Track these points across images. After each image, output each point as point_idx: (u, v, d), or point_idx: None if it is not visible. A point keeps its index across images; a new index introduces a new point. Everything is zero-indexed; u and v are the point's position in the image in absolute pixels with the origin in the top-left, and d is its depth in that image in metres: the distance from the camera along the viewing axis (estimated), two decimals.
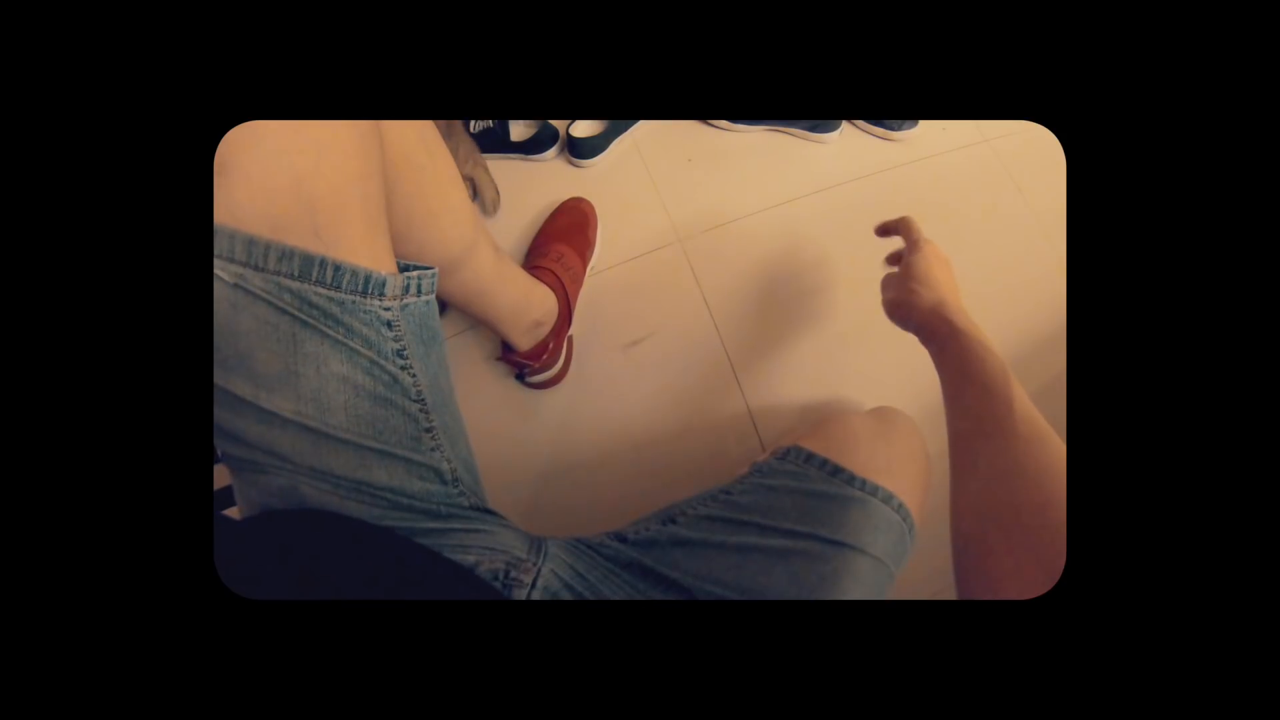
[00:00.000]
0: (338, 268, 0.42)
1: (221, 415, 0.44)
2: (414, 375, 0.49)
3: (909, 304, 0.65)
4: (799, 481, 0.63)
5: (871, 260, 0.85)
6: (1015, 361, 1.02)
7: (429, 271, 0.50)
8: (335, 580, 0.43)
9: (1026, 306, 1.09)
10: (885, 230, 0.79)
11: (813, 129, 1.15)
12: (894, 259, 0.78)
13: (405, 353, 0.48)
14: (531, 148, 1.07)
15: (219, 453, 0.47)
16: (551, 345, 0.87)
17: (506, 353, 0.88)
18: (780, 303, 1.04)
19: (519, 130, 1.09)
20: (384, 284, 0.45)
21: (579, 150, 1.07)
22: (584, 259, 0.98)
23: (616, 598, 0.56)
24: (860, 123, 1.19)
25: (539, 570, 0.53)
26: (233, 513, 0.52)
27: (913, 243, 0.71)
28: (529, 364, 0.87)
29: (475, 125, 1.05)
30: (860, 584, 0.57)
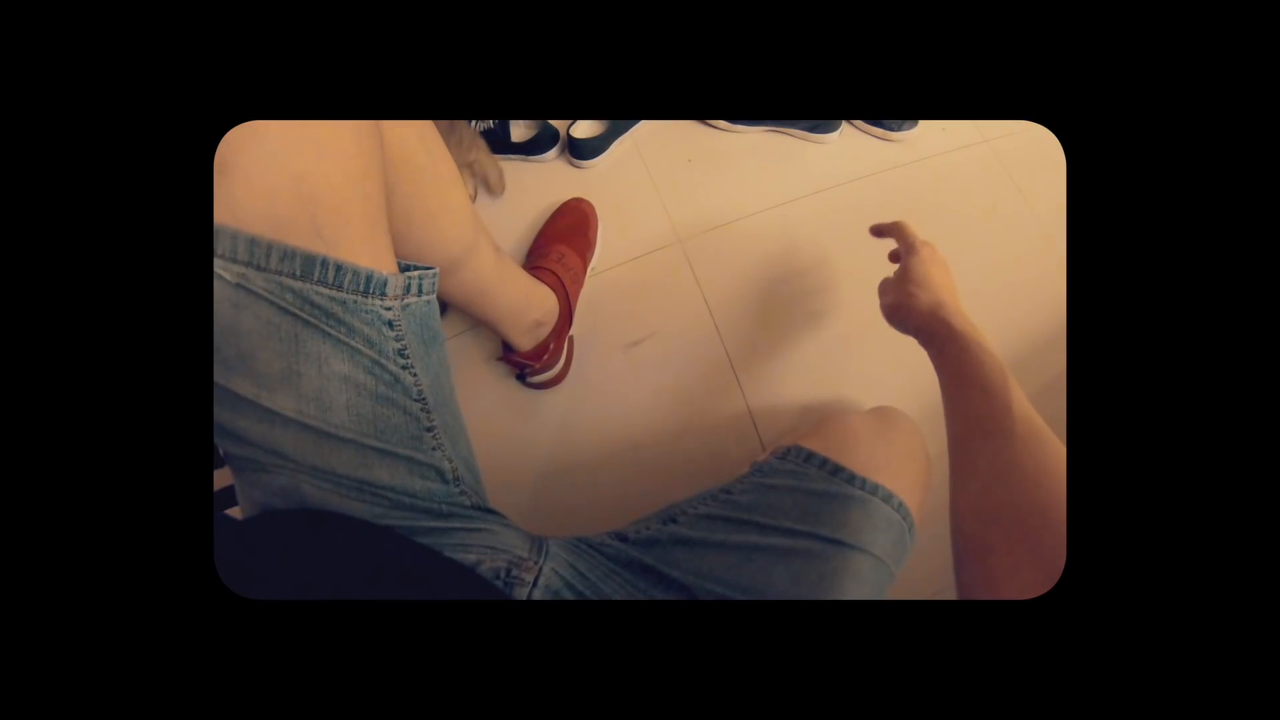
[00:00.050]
0: (339, 267, 0.42)
1: (223, 414, 0.44)
2: (415, 375, 0.49)
3: (907, 307, 0.66)
4: (799, 481, 0.63)
5: (871, 260, 0.85)
6: (1015, 361, 1.02)
7: (430, 271, 0.50)
8: (336, 580, 0.43)
9: (1026, 306, 1.09)
10: (880, 232, 0.79)
11: (812, 129, 1.15)
12: (895, 257, 0.78)
13: (406, 352, 0.48)
14: (532, 148, 1.07)
15: (221, 452, 0.47)
16: (552, 346, 0.87)
17: (507, 353, 0.88)
18: (780, 303, 1.04)
19: (519, 131, 1.09)
20: (385, 284, 0.45)
21: (579, 151, 1.07)
22: (584, 259, 0.98)
23: (617, 597, 0.56)
24: (860, 123, 1.19)
25: (540, 569, 0.53)
26: (234, 512, 0.52)
27: (909, 246, 0.72)
28: (530, 364, 0.87)
29: (476, 125, 1.05)
30: (860, 583, 0.57)
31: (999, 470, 0.45)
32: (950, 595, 0.46)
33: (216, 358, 0.42)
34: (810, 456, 0.65)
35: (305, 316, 0.42)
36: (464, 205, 0.65)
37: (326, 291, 0.42)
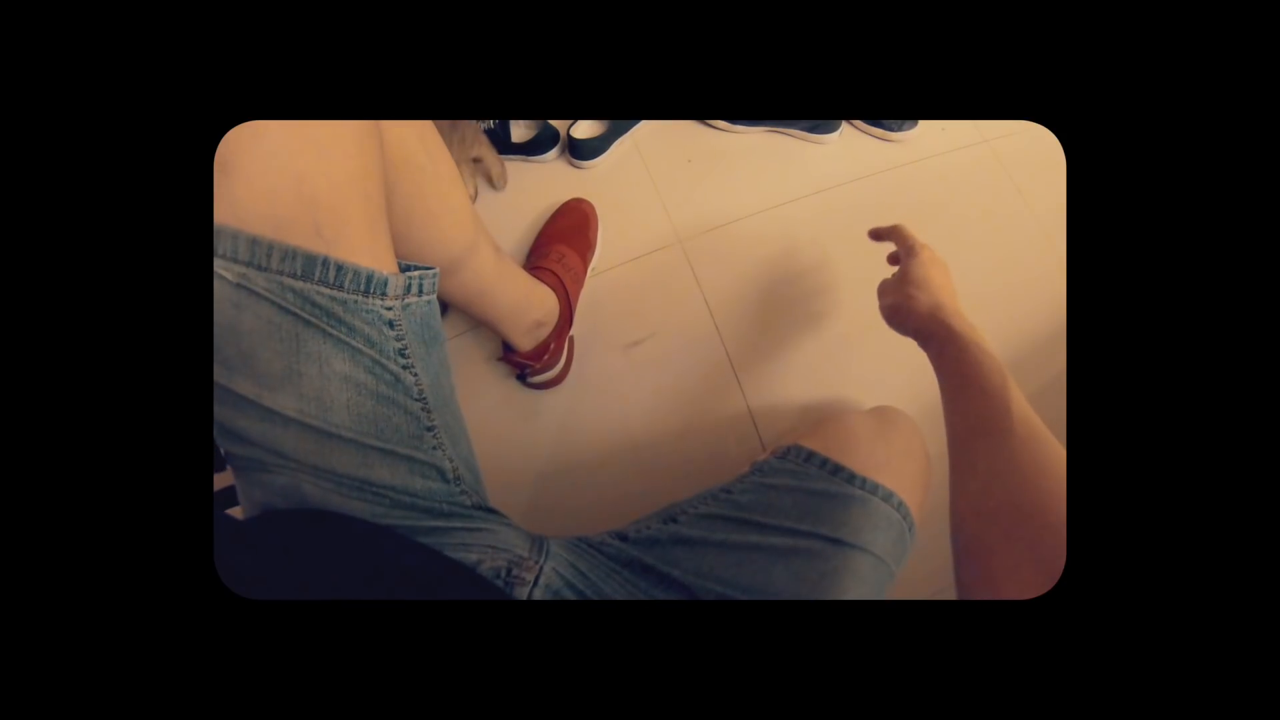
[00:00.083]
0: (340, 267, 0.42)
1: (224, 414, 0.44)
2: (416, 374, 0.49)
3: (907, 309, 0.66)
4: (799, 480, 0.63)
5: (871, 261, 0.85)
6: (1015, 361, 1.02)
7: (430, 271, 0.50)
8: (336, 580, 0.43)
9: (1026, 307, 1.09)
10: (879, 236, 0.80)
11: (812, 130, 1.15)
12: (895, 259, 0.78)
13: (407, 352, 0.48)
14: (532, 149, 1.07)
15: (222, 452, 0.48)
16: (553, 346, 0.87)
17: (508, 353, 0.88)
18: (781, 303, 1.04)
19: (520, 131, 1.09)
20: (386, 284, 0.45)
21: (579, 151, 1.07)
22: (585, 260, 0.98)
23: (618, 596, 0.56)
24: (860, 123, 1.19)
25: (541, 569, 0.53)
26: (235, 512, 0.52)
27: (909, 248, 0.72)
28: (530, 364, 0.87)
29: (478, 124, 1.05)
30: (861, 582, 0.57)
31: (998, 470, 0.45)
32: (950, 595, 0.46)
33: (218, 358, 0.42)
34: (810, 456, 0.65)
35: (306, 316, 0.42)
36: (464, 205, 0.66)
37: (327, 291, 0.42)
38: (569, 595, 0.54)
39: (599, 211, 1.04)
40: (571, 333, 0.95)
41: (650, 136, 1.14)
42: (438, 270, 0.51)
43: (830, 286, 1.06)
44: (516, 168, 1.08)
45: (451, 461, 0.53)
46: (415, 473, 0.50)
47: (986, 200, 1.17)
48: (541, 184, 1.08)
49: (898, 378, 0.98)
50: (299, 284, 0.41)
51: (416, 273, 0.49)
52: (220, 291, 0.40)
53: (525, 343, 0.85)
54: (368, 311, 0.45)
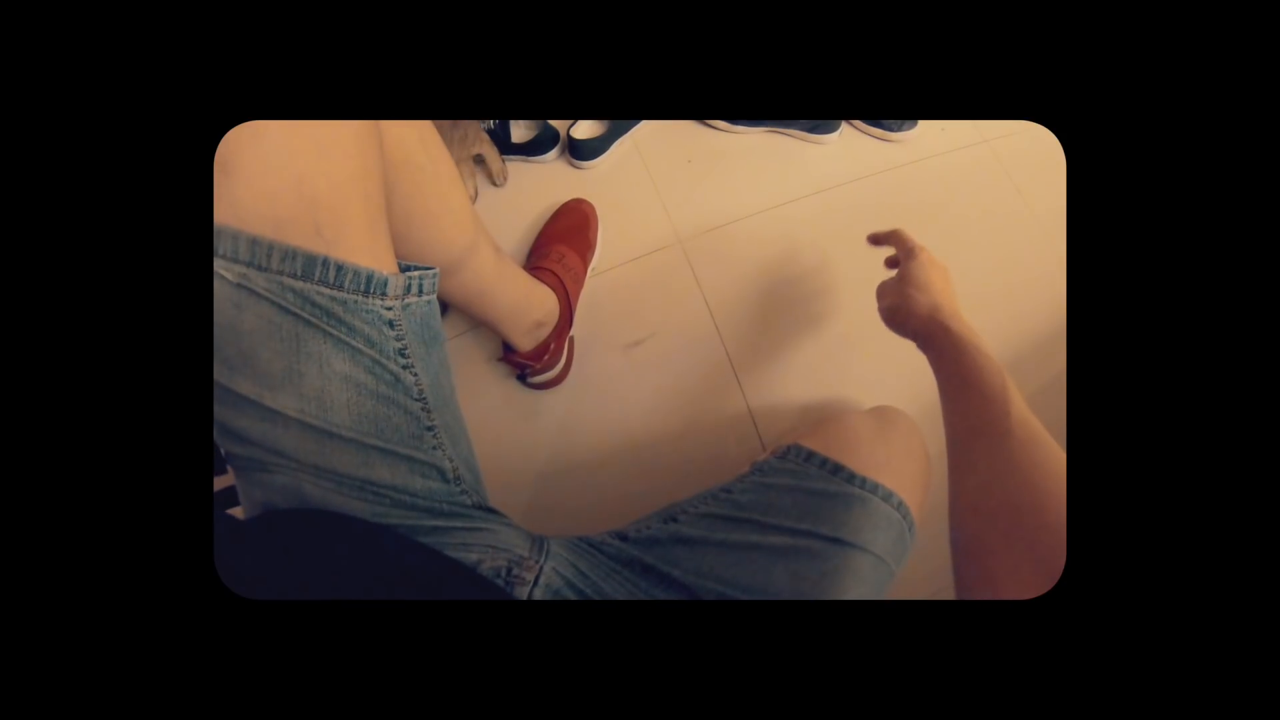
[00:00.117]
0: (340, 267, 0.42)
1: (225, 414, 0.44)
2: (416, 374, 0.49)
3: (906, 310, 0.66)
4: (799, 480, 0.63)
5: (871, 261, 0.85)
6: (1014, 361, 1.02)
7: (430, 272, 0.50)
8: (336, 579, 0.43)
9: (1026, 307, 1.09)
10: (877, 240, 0.80)
11: (812, 130, 1.15)
12: (893, 263, 0.79)
13: (407, 352, 0.48)
14: (532, 149, 1.08)
15: (223, 452, 0.48)
16: (553, 346, 0.87)
17: (508, 353, 0.88)
18: (781, 303, 1.04)
19: (520, 132, 1.09)
20: (386, 284, 0.45)
21: (579, 152, 1.07)
22: (585, 260, 0.98)
23: (618, 596, 0.56)
24: (859, 124, 1.19)
25: (541, 568, 0.53)
26: (236, 512, 0.53)
27: (908, 250, 0.72)
28: (530, 365, 0.87)
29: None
30: (861, 582, 0.57)
31: (997, 471, 0.45)
32: (950, 595, 0.46)
33: (218, 357, 0.42)
34: (810, 455, 0.65)
35: (306, 316, 0.42)
36: (464, 206, 0.66)
37: (327, 291, 0.42)
38: (569, 595, 0.54)
39: (599, 212, 1.04)
40: (571, 333, 0.95)
41: (650, 137, 1.14)
42: (438, 270, 0.51)
43: (830, 286, 1.06)
44: (516, 168, 1.08)
45: (451, 461, 0.53)
46: (415, 472, 0.50)
47: (986, 200, 1.17)
48: (541, 184, 1.08)
49: (898, 378, 0.98)
50: (299, 284, 0.41)
51: (416, 273, 0.49)
52: (221, 292, 0.40)
53: (525, 343, 0.85)
54: (368, 311, 0.45)
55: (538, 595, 0.51)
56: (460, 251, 0.67)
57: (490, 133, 1.04)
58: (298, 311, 0.42)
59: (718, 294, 1.03)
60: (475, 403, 0.93)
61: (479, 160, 1.06)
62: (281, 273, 0.41)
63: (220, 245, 0.39)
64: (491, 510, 0.58)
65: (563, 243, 0.97)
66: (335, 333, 0.44)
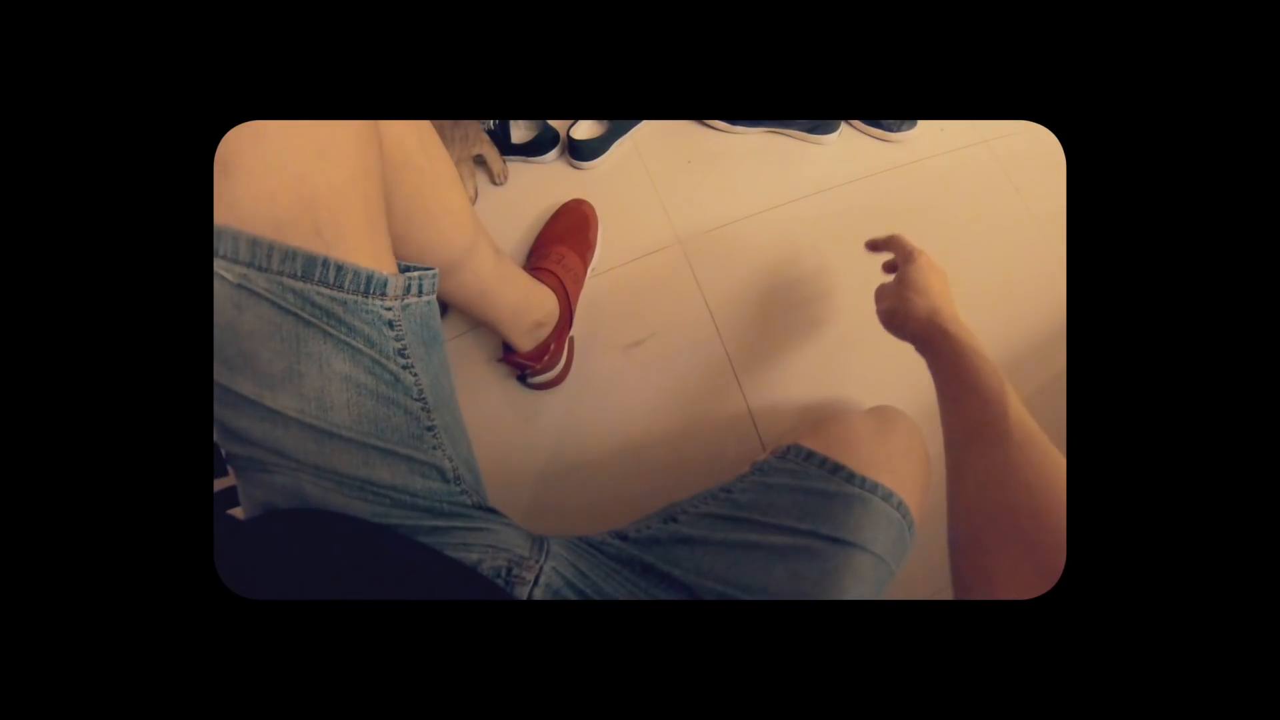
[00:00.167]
0: (340, 268, 0.43)
1: (226, 414, 0.44)
2: (415, 375, 0.49)
3: (904, 313, 0.66)
4: (799, 479, 0.63)
5: (871, 262, 0.85)
6: (1014, 362, 1.02)
7: (430, 272, 0.50)
8: (336, 579, 0.43)
9: (1025, 307, 1.09)
10: (875, 246, 0.80)
11: (811, 130, 1.16)
12: (890, 267, 0.79)
13: (407, 352, 0.48)
14: (532, 150, 1.08)
15: (223, 452, 0.48)
16: (553, 346, 0.87)
17: (508, 354, 0.88)
18: (781, 303, 1.04)
19: (520, 133, 1.09)
20: (385, 284, 0.45)
21: (579, 152, 1.07)
22: (585, 260, 0.98)
23: (618, 595, 0.56)
24: (859, 124, 1.19)
25: (541, 568, 0.53)
26: (236, 512, 0.53)
27: (906, 254, 0.72)
28: (530, 365, 0.87)
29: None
30: (861, 581, 0.57)
31: (994, 473, 0.45)
32: (950, 595, 0.46)
33: (218, 358, 0.42)
34: (810, 455, 0.65)
35: (306, 317, 0.42)
36: (463, 207, 0.66)
37: (327, 292, 0.43)
38: (569, 595, 0.54)
39: (599, 212, 1.04)
40: (571, 333, 0.95)
41: (650, 137, 1.14)
42: (437, 271, 0.51)
43: (830, 287, 1.06)
44: (516, 169, 1.08)
45: (451, 461, 0.53)
46: (415, 472, 0.50)
47: (985, 200, 1.17)
48: (541, 185, 1.08)
49: (897, 378, 0.98)
50: (299, 284, 0.41)
51: (416, 273, 0.49)
52: (221, 292, 0.40)
53: (525, 343, 0.85)
54: (367, 312, 0.45)
55: (538, 595, 0.51)
56: (460, 252, 0.67)
57: (490, 133, 1.04)
58: (298, 312, 0.42)
59: (717, 294, 1.03)
60: (475, 403, 0.93)
61: (479, 161, 1.06)
62: (281, 273, 0.41)
63: (220, 246, 0.39)
64: (491, 510, 0.58)
65: (563, 243, 0.97)
66: (335, 333, 0.44)
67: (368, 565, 0.45)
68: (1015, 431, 0.46)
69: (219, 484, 0.57)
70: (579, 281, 0.96)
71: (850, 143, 1.19)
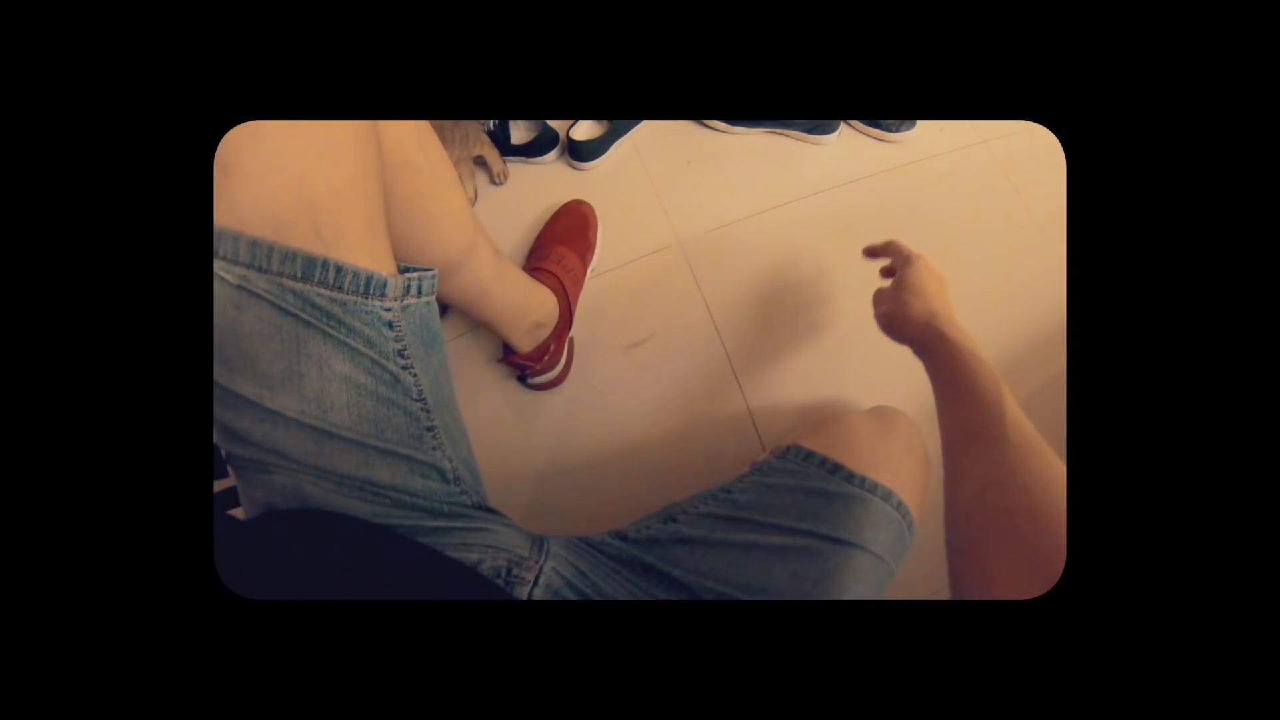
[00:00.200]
0: (340, 269, 0.43)
1: (226, 415, 0.44)
2: (415, 375, 0.49)
3: (903, 316, 0.67)
4: (798, 479, 0.63)
5: (871, 262, 0.85)
6: (1013, 362, 1.02)
7: (429, 273, 0.50)
8: (336, 579, 0.43)
9: (1025, 307, 1.09)
10: (873, 252, 0.81)
11: (811, 131, 1.16)
12: (888, 272, 0.79)
13: (406, 353, 0.48)
14: (532, 151, 1.08)
15: (224, 453, 0.48)
16: (553, 347, 0.87)
17: (508, 354, 0.88)
18: (780, 304, 1.04)
19: (519, 133, 1.09)
20: (385, 285, 0.45)
21: (579, 153, 1.08)
22: (584, 261, 0.98)
23: (618, 595, 0.56)
24: (858, 125, 1.19)
25: (541, 568, 0.53)
26: (237, 513, 0.53)
27: (905, 259, 0.73)
28: (530, 366, 0.87)
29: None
30: (861, 581, 0.57)
31: (992, 476, 0.46)
32: (949, 595, 0.46)
33: (219, 358, 0.42)
34: (810, 455, 0.65)
35: (306, 317, 0.42)
36: (463, 208, 0.66)
37: (327, 293, 0.43)
38: (569, 595, 0.54)
39: (598, 213, 1.05)
40: (571, 334, 0.95)
41: (649, 138, 1.14)
42: (436, 272, 0.51)
43: (830, 288, 1.06)
44: (516, 169, 1.08)
45: (451, 462, 0.53)
46: (415, 473, 0.50)
47: (985, 201, 1.17)
48: (541, 186, 1.08)
49: (897, 378, 0.97)
50: (299, 285, 0.41)
51: (415, 274, 0.49)
52: (221, 293, 0.40)
53: (525, 344, 0.85)
54: (367, 313, 0.45)
55: (538, 595, 0.51)
56: (459, 253, 0.67)
57: (490, 134, 1.05)
58: (297, 313, 0.42)
59: (717, 295, 1.03)
60: (475, 403, 0.93)
61: (479, 162, 1.06)
62: (281, 274, 0.41)
63: (220, 247, 0.39)
64: (491, 510, 0.58)
65: (562, 244, 0.97)
66: (335, 334, 0.44)
67: (368, 565, 0.45)
68: (1012, 434, 0.46)
69: (219, 485, 0.57)
70: (579, 282, 0.96)
71: (849, 143, 1.19)
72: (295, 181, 0.40)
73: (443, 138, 0.91)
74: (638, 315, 1.01)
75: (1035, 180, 1.19)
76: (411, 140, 0.57)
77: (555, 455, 0.93)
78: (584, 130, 1.10)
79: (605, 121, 1.10)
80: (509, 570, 0.51)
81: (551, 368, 0.91)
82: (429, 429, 0.51)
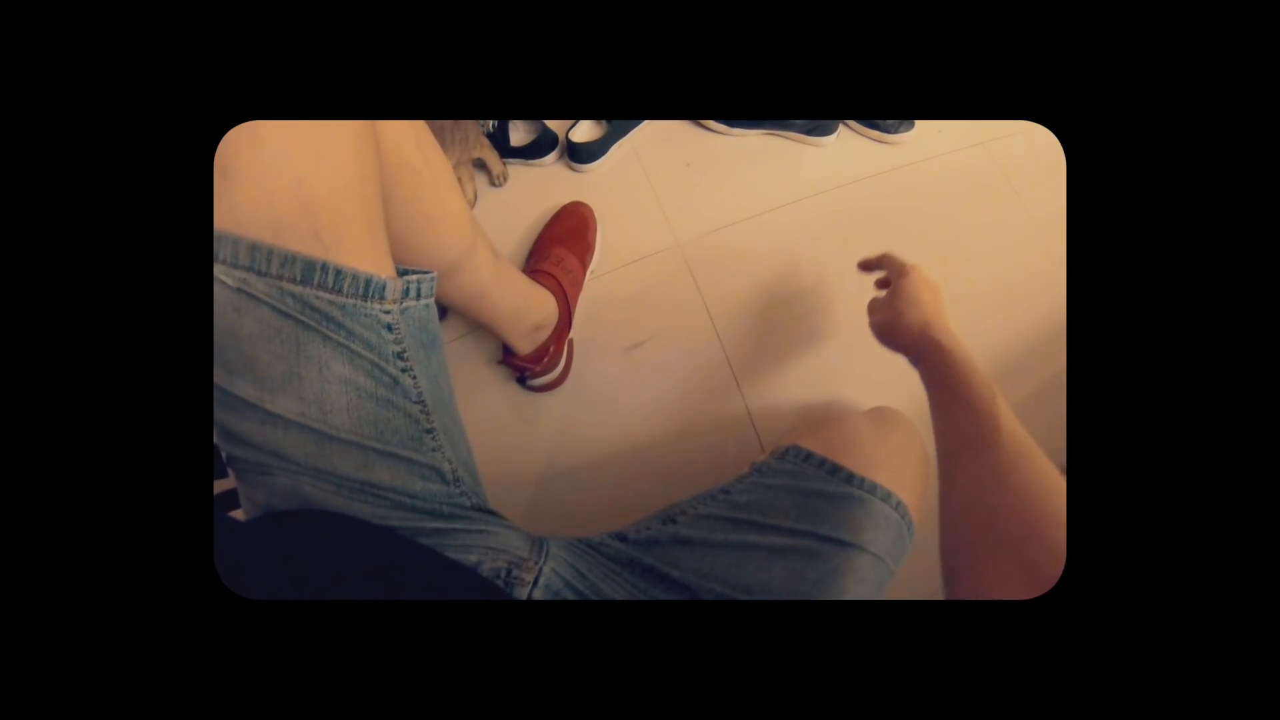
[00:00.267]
0: (339, 272, 0.43)
1: (226, 417, 0.44)
2: (414, 377, 0.49)
3: (897, 325, 0.67)
4: (798, 480, 0.63)
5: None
6: (1014, 362, 1.03)
7: (428, 275, 0.50)
8: (337, 580, 0.43)
9: (1025, 307, 1.09)
10: (868, 266, 0.81)
11: (810, 133, 1.16)
12: (883, 284, 0.80)
13: (405, 355, 0.48)
14: (531, 152, 1.08)
15: (224, 455, 0.48)
16: (552, 349, 0.87)
17: (507, 356, 0.88)
18: (779, 305, 1.04)
19: (518, 135, 1.09)
20: (384, 288, 0.45)
21: (578, 155, 1.08)
22: (584, 263, 0.98)
23: (618, 596, 0.56)
24: (857, 126, 1.19)
25: (540, 569, 0.53)
26: (237, 514, 0.52)
27: (899, 269, 0.73)
28: (530, 367, 0.87)
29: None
30: (860, 581, 0.57)
31: (986, 482, 0.46)
32: None
33: (219, 361, 0.42)
34: (809, 456, 0.65)
35: (305, 320, 0.42)
36: (461, 210, 0.66)
37: (326, 296, 0.43)
38: (568, 595, 0.54)
39: (598, 215, 1.05)
40: (571, 335, 0.95)
41: (648, 140, 1.14)
42: (435, 274, 0.51)
43: (829, 289, 1.06)
44: (515, 171, 1.09)
45: (451, 463, 0.53)
46: (415, 474, 0.50)
47: (984, 201, 1.18)
48: (540, 187, 1.08)
49: (896, 379, 0.97)
50: (298, 289, 0.41)
51: (414, 276, 0.49)
52: (221, 296, 0.40)
53: (524, 345, 0.85)
54: (366, 315, 0.45)
55: (537, 596, 0.51)
56: (458, 255, 0.67)
57: (490, 136, 1.05)
58: (297, 316, 0.42)
59: (716, 296, 1.03)
60: (475, 405, 0.93)
61: (479, 164, 1.06)
62: (281, 277, 0.41)
63: (220, 251, 0.39)
64: (491, 512, 0.58)
65: (561, 246, 0.97)
66: (334, 336, 0.44)
67: (367, 566, 0.45)
68: (1007, 441, 0.46)
69: (220, 486, 0.57)
70: (578, 284, 0.96)
71: (848, 145, 1.19)
72: (295, 184, 0.40)
73: (442, 140, 0.91)
74: (637, 317, 1.01)
75: (1034, 182, 1.19)
76: (410, 142, 0.57)
77: (555, 456, 0.93)
78: (583, 132, 1.10)
79: (604, 123, 1.10)
80: (508, 571, 0.51)
81: (551, 369, 0.91)
82: (428, 431, 0.51)
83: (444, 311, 0.95)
